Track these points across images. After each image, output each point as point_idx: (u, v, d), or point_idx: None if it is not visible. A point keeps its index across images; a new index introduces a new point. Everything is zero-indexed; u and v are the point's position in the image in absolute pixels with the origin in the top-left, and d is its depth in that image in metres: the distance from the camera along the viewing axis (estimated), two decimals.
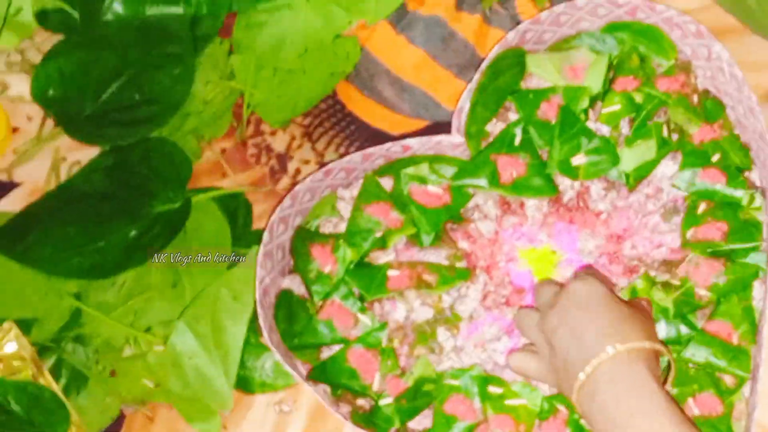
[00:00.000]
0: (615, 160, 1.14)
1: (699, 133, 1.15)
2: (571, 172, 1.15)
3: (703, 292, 1.09)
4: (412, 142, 1.17)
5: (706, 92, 1.17)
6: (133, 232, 1.20)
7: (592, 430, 0.97)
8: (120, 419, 1.20)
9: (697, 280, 1.10)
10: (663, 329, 1.09)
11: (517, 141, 1.16)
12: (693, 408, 1.06)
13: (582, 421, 1.07)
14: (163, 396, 1.19)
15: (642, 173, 1.14)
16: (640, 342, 0.96)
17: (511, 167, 1.15)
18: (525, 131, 1.17)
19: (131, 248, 1.19)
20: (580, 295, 1.01)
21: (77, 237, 1.20)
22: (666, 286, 1.10)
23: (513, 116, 1.19)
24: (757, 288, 1.10)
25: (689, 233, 1.11)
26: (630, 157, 1.14)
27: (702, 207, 1.12)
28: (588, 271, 1.10)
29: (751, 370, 1.07)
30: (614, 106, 1.16)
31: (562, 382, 1.01)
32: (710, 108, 1.16)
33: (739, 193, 1.12)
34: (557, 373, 1.01)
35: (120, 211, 1.22)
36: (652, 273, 1.12)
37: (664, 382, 1.01)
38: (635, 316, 1.00)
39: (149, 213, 1.21)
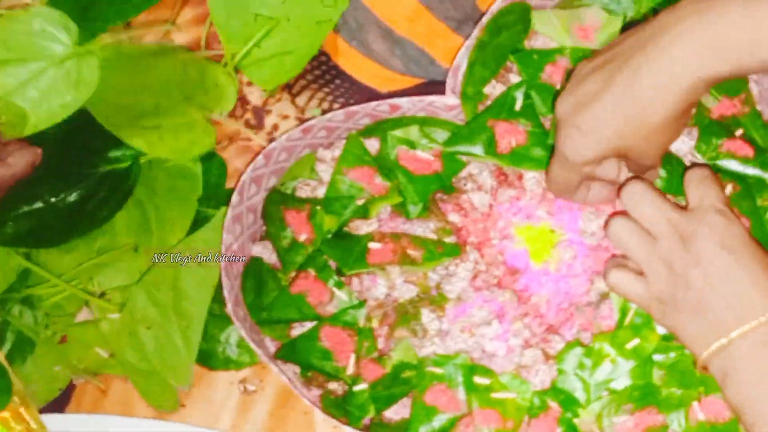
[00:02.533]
0: None
1: (718, 107, 1.05)
2: None
3: None
4: (402, 102, 1.08)
5: None
6: (73, 196, 1.10)
7: (728, 395, 0.89)
8: (69, 390, 1.13)
9: None
10: None
11: (518, 106, 1.07)
12: (698, 412, 0.97)
13: (576, 421, 0.99)
14: (118, 367, 1.12)
15: None
16: None
17: (509, 135, 1.06)
18: (527, 96, 1.08)
19: (74, 213, 1.10)
20: (724, 233, 0.91)
21: (7, 199, 1.10)
22: None
23: (514, 78, 1.09)
24: None
25: None
26: None
27: (729, 189, 1.02)
28: (720, 204, 0.95)
29: None
30: None
31: (685, 323, 0.91)
32: (731, 80, 1.05)
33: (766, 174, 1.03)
34: (677, 309, 0.91)
35: (56, 170, 1.12)
36: None
37: None
38: None
39: (92, 173, 1.11)
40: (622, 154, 0.92)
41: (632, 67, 0.87)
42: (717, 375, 0.89)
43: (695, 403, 0.98)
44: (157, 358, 1.09)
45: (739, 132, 1.04)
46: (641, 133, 0.89)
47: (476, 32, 1.08)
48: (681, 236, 0.91)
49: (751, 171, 1.03)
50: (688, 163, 1.04)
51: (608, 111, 0.89)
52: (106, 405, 1.12)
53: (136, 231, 1.11)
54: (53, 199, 1.10)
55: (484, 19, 1.08)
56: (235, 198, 1.06)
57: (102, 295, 1.11)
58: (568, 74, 1.05)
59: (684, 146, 1.05)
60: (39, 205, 1.09)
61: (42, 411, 1.10)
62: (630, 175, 0.98)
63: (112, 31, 1.13)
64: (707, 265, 0.90)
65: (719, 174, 1.02)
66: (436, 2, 1.16)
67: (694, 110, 1.03)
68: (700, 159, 1.04)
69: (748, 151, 1.03)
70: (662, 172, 1.02)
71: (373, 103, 1.08)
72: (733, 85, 1.06)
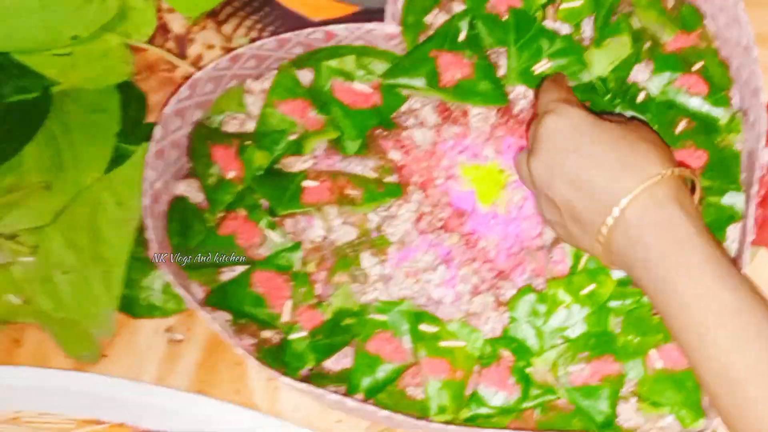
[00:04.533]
0: (582, 61, 1.00)
1: (673, 41, 1.01)
2: (536, 83, 1.00)
3: None
4: (338, 29, 1.02)
5: None
6: None
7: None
8: None
9: None
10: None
11: (462, 36, 1.02)
12: (656, 360, 0.94)
13: (529, 370, 0.95)
14: (32, 315, 1.04)
15: (621, 73, 1.00)
16: (656, 173, 0.83)
17: (453, 67, 1.01)
18: (471, 26, 1.02)
19: None
20: (557, 134, 0.87)
21: None
22: None
23: (458, 7, 1.04)
24: (731, 229, 0.98)
25: None
26: (602, 58, 1.00)
27: (682, 125, 0.98)
28: (553, 96, 0.92)
29: None
30: (574, 1, 1.01)
31: (576, 240, 0.90)
32: (687, 16, 1.02)
33: (718, 112, 0.99)
34: (566, 229, 0.90)
35: None
36: None
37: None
38: (632, 139, 0.86)
39: None
40: None
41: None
42: (622, 254, 0.86)
43: (653, 351, 0.94)
44: (75, 306, 1.02)
45: (697, 66, 1.00)
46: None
47: None
48: (531, 154, 0.90)
49: (705, 108, 0.99)
50: (643, 96, 1.00)
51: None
52: (20, 355, 1.05)
53: (48, 168, 1.04)
54: None
55: None
56: (157, 131, 0.98)
57: (13, 237, 1.03)
58: (514, 14, 1.00)
59: (641, 77, 1.00)
60: None
61: None
62: None
63: None
64: (558, 178, 0.87)
65: (674, 109, 0.99)
66: None
67: None
68: (654, 91, 1.00)
69: (703, 88, 0.99)
70: None
71: (307, 30, 1.01)
72: (687, 21, 1.02)
